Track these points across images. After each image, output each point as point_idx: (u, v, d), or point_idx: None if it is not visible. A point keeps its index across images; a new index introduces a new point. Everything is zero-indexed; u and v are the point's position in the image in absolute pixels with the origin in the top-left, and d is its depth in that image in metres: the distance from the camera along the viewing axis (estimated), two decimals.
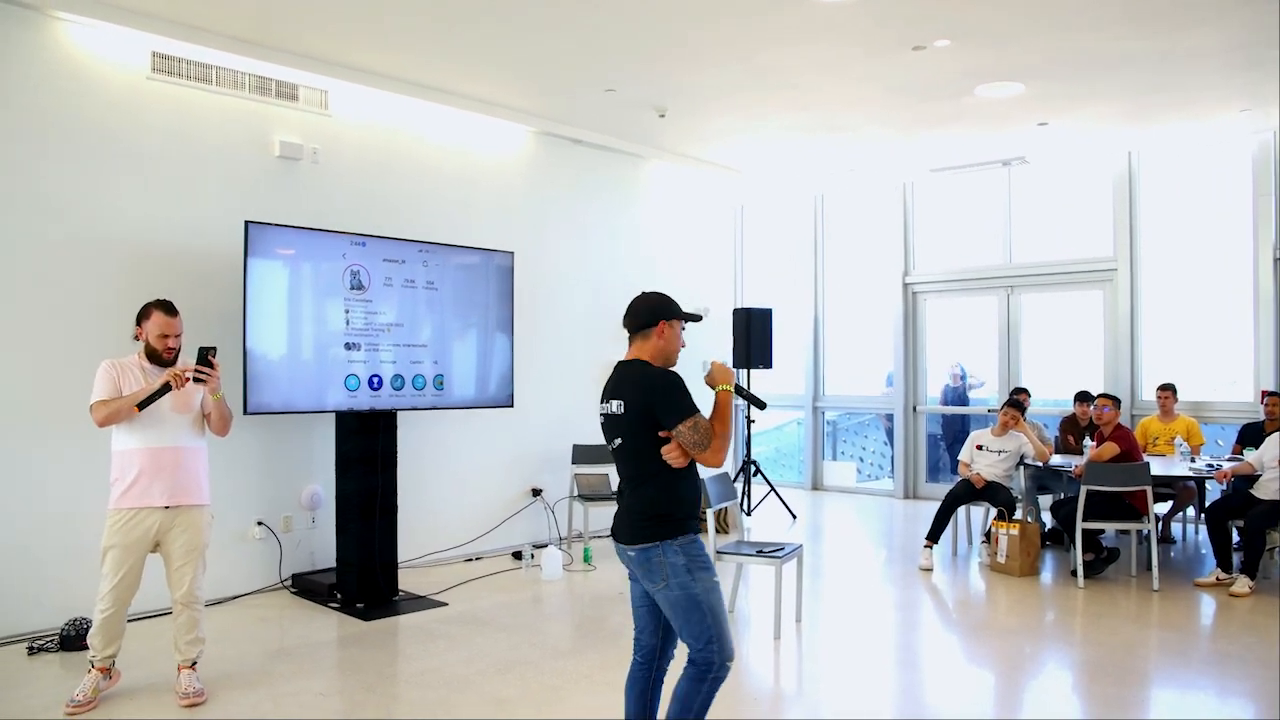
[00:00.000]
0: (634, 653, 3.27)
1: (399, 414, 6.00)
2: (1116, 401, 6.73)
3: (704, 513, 8.03)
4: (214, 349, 4.15)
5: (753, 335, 8.95)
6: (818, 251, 11.10)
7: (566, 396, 7.86)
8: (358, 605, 5.62)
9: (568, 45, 5.95)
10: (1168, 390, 7.79)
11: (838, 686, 4.39)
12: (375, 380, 5.79)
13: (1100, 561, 6.39)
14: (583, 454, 7.60)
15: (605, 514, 7.69)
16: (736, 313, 9.07)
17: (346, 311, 5.66)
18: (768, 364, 9.04)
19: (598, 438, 7.61)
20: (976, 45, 5.92)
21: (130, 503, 4.01)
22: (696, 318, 3.44)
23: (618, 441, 3.14)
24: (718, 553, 5.27)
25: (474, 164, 7.26)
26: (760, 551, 5.26)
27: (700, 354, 9.11)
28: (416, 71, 6.41)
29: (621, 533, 3.13)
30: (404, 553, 6.24)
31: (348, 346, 5.66)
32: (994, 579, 6.47)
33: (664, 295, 3.29)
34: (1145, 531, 6.24)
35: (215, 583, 5.58)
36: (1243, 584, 5.90)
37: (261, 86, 6.00)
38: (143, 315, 4.17)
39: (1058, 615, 5.67)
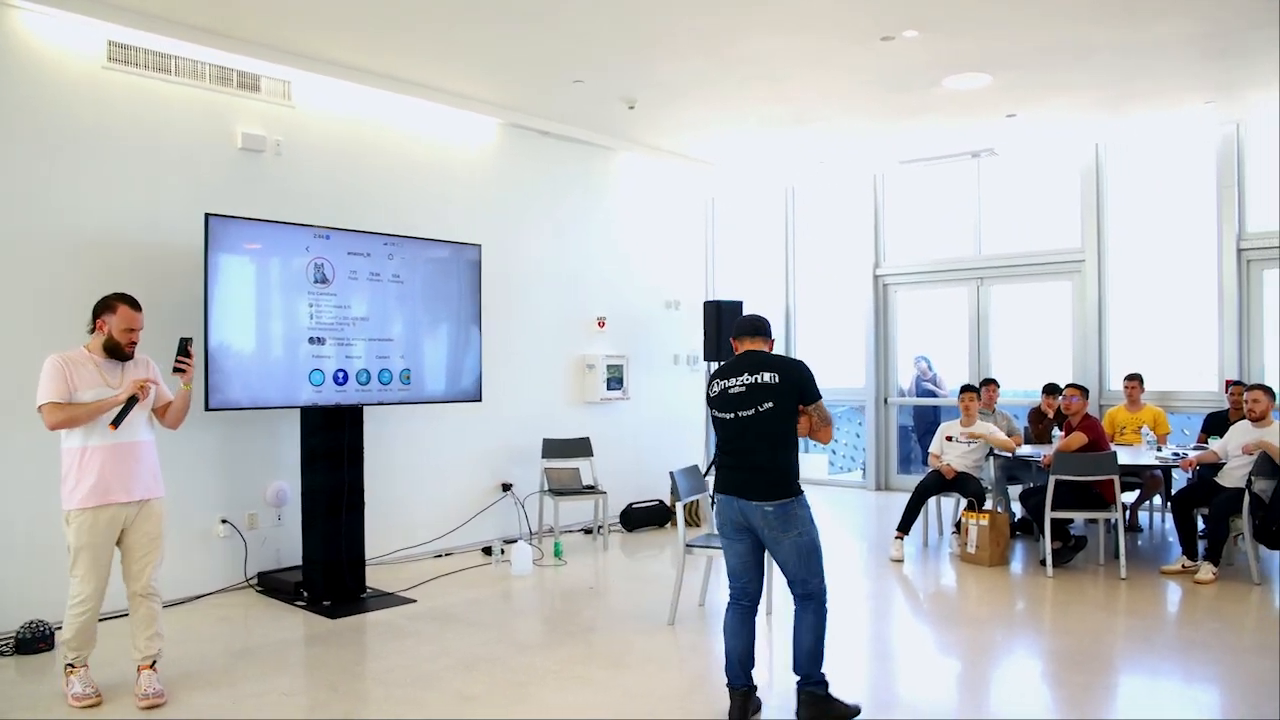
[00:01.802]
0: (738, 601, 3.87)
1: (366, 409, 5.93)
2: (1084, 391, 6.78)
3: (674, 506, 8.08)
4: (191, 339, 4.26)
5: (723, 328, 8.90)
6: (789, 244, 11.09)
7: (537, 390, 7.80)
8: (325, 603, 5.54)
9: (536, 36, 5.88)
10: (1135, 380, 7.86)
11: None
12: (341, 375, 5.71)
13: (1069, 550, 6.43)
14: (553, 448, 7.55)
15: (576, 509, 7.70)
16: (707, 305, 9.03)
17: (311, 306, 5.57)
18: None
19: (569, 432, 7.72)
20: (944, 36, 5.92)
21: (96, 500, 3.94)
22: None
23: (768, 405, 3.69)
24: (687, 546, 5.25)
25: (441, 156, 7.18)
26: None
27: (673, 346, 9.13)
28: (381, 62, 6.32)
29: (755, 492, 3.70)
30: (372, 549, 6.17)
31: (313, 341, 5.58)
32: (964, 569, 6.50)
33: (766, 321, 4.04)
34: (1113, 520, 6.29)
35: (178, 582, 5.51)
36: (1207, 571, 5.96)
37: (222, 77, 5.89)
38: (105, 308, 4.06)
39: (1027, 604, 5.69)
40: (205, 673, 4.42)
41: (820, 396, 3.77)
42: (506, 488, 7.49)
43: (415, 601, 5.69)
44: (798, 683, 3.83)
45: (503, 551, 6.78)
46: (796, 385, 3.72)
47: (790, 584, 3.81)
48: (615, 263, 8.56)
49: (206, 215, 5.17)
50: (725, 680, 3.86)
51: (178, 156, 5.70)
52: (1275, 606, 5.59)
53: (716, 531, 4.02)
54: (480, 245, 6.58)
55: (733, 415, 3.76)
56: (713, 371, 4.03)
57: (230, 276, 5.28)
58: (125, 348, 4.07)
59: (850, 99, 7.32)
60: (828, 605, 3.82)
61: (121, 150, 5.48)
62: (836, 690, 3.86)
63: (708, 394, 3.92)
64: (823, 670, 3.80)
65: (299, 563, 5.86)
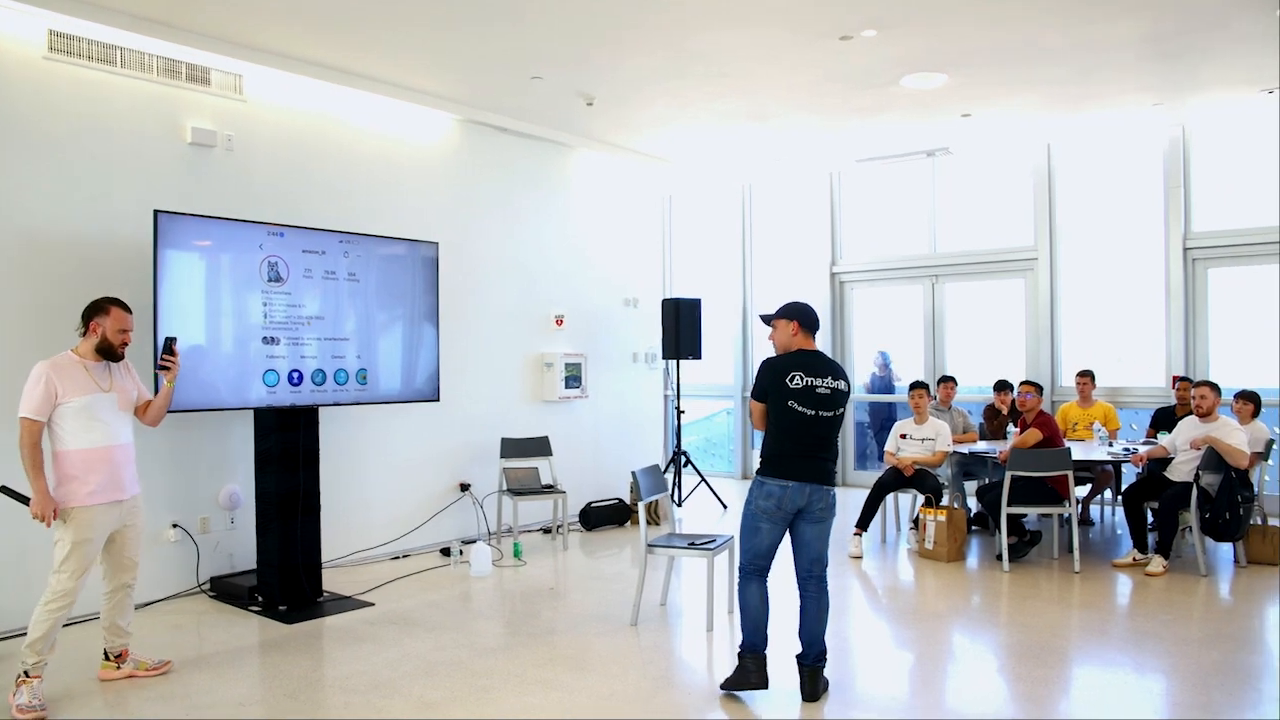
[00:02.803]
0: (758, 575, 4.17)
1: (321, 409, 5.82)
2: (1039, 388, 6.89)
3: (635, 505, 8.07)
4: (175, 339, 4.52)
5: (681, 325, 8.92)
6: (745, 241, 11.13)
7: (495, 389, 7.73)
8: (280, 608, 5.44)
9: (494, 31, 5.81)
10: (1086, 376, 8.00)
11: (771, 677, 4.36)
12: (295, 375, 5.60)
13: (1024, 545, 6.53)
14: (512, 448, 7.49)
15: (535, 508, 7.64)
16: (665, 303, 9.03)
17: (264, 304, 5.45)
18: (696, 354, 9.03)
19: (527, 431, 7.67)
20: (902, 35, 5.96)
21: (100, 499, 4.08)
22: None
23: (840, 410, 4.13)
24: (649, 546, 5.23)
25: (397, 152, 7.07)
26: (692, 544, 5.22)
27: (631, 344, 9.10)
28: (336, 56, 6.21)
29: (827, 479, 4.10)
30: (328, 552, 6.04)
31: (266, 340, 5.46)
32: (922, 565, 6.56)
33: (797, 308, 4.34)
34: (1066, 515, 6.39)
35: None
36: (1158, 564, 6.08)
37: (170, 69, 5.73)
38: (97, 311, 4.18)
39: (985, 599, 5.76)
40: (157, 682, 4.31)
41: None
42: (465, 488, 7.41)
43: (373, 605, 5.60)
44: (811, 659, 4.12)
45: (461, 552, 6.71)
46: (848, 396, 4.21)
47: (811, 564, 4.15)
48: (573, 261, 8.50)
49: (156, 212, 5.03)
50: (743, 651, 4.15)
51: (125, 151, 5.54)
52: (1222, 597, 5.71)
53: (760, 512, 4.10)
54: (437, 243, 6.49)
55: (814, 412, 4.07)
56: (781, 360, 4.17)
57: (180, 275, 5.14)
58: (118, 349, 4.21)
59: (808, 97, 7.35)
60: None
61: (65, 145, 5.31)
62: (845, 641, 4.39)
63: (783, 383, 4.07)
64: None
65: (253, 567, 5.75)
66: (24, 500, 4.03)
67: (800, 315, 4.25)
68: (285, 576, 5.50)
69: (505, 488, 7.31)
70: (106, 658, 4.36)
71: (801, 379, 4.07)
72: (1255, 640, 4.97)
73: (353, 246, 5.89)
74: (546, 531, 7.82)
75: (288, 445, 5.57)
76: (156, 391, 4.53)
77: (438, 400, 6.52)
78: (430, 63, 6.40)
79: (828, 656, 4.17)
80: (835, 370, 4.16)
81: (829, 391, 4.08)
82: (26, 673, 3.97)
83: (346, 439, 6.52)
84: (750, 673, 4.12)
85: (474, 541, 6.71)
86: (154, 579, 5.59)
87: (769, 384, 4.12)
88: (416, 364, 6.33)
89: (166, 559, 5.69)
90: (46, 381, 4.00)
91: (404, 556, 6.88)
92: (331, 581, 5.96)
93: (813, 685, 4.09)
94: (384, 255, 6.14)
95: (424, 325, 6.36)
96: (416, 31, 5.81)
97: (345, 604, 5.60)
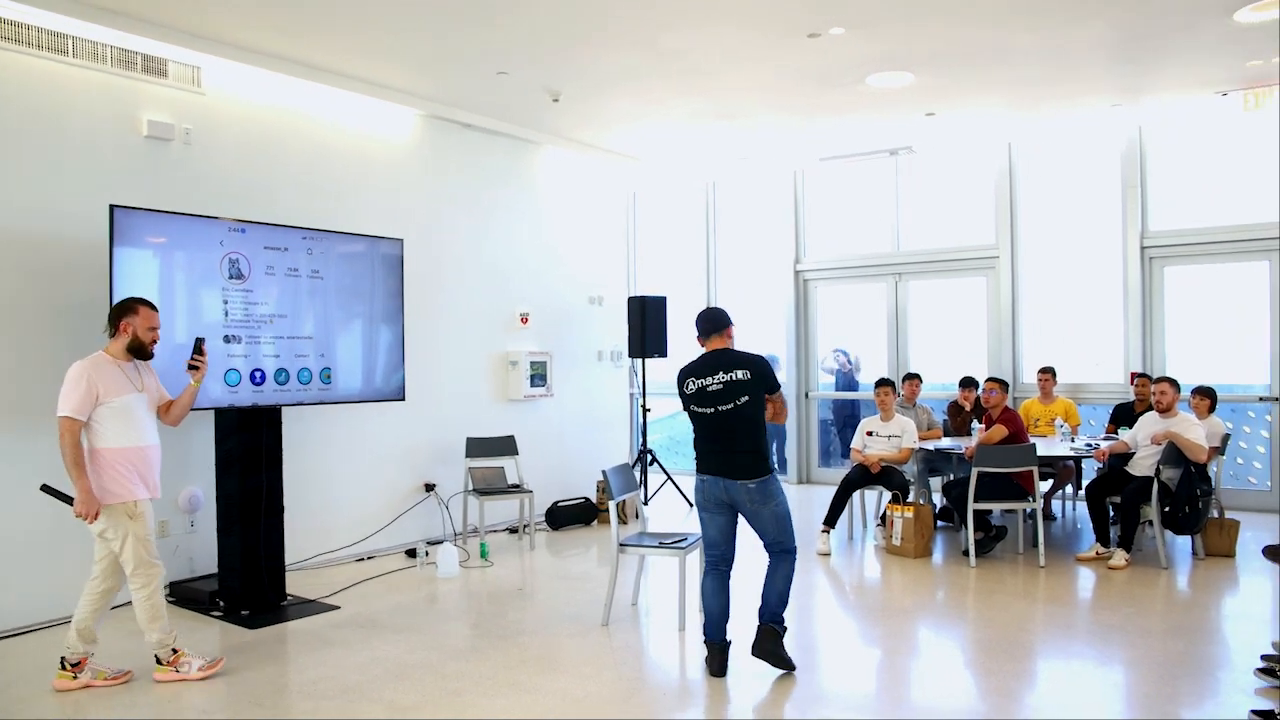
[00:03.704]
0: (716, 567, 4.42)
1: (283, 409, 5.70)
2: (1004, 385, 6.96)
3: (605, 505, 8.02)
4: (204, 339, 4.64)
5: (648, 323, 8.88)
6: (710, 239, 11.13)
7: (460, 388, 7.64)
8: (243, 613, 5.32)
9: (459, 25, 5.73)
10: (1048, 373, 8.11)
11: (742, 675, 4.36)
12: (257, 374, 5.48)
13: (990, 540, 6.59)
14: (477, 447, 7.41)
15: (501, 508, 7.57)
16: (631, 301, 8.99)
17: (225, 302, 5.32)
18: (662, 352, 9.00)
19: (493, 430, 7.59)
20: (869, 34, 5.98)
21: (141, 494, 4.21)
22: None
23: (744, 399, 4.28)
24: (621, 545, 5.19)
25: (360, 148, 6.95)
26: (663, 543, 5.19)
27: (596, 342, 9.05)
28: (297, 49, 6.08)
29: (739, 472, 4.27)
30: (291, 555, 5.92)
31: (227, 339, 5.33)
32: (890, 561, 6.60)
33: (722, 309, 4.62)
34: (1030, 510, 6.47)
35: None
36: (1120, 557, 6.18)
37: (125, 60, 5.57)
38: (126, 311, 4.26)
39: (952, 594, 5.81)
40: (117, 691, 4.19)
41: (780, 386, 4.46)
42: (430, 488, 7.32)
43: (339, 608, 5.50)
44: (765, 617, 4.34)
45: (427, 553, 6.62)
46: (764, 379, 4.34)
47: (768, 546, 4.41)
48: (538, 258, 8.44)
49: (111, 207, 4.87)
50: (703, 637, 4.38)
51: (77, 145, 5.38)
52: (1182, 590, 5.81)
53: (698, 505, 4.45)
54: (402, 240, 6.39)
55: (713, 410, 4.31)
56: (682, 369, 4.48)
57: (137, 272, 4.99)
58: (149, 347, 4.30)
59: (775, 95, 7.35)
60: (795, 559, 4.42)
61: (13, 138, 5.14)
62: (812, 638, 4.63)
63: (682, 391, 4.43)
64: (784, 616, 4.37)
65: (214, 571, 5.60)
66: (65, 499, 4.13)
67: (697, 324, 4.56)
68: (248, 580, 5.39)
69: (471, 487, 7.23)
70: (63, 666, 4.20)
71: (693, 383, 4.38)
72: (1214, 631, 5.07)
73: (316, 243, 5.78)
74: (513, 531, 7.75)
75: (250, 446, 5.45)
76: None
77: (403, 400, 6.43)
78: (394, 57, 6.30)
79: (784, 628, 4.37)
80: (730, 363, 4.34)
81: (721, 386, 4.30)
82: (175, 650, 4.27)
83: (309, 439, 6.40)
84: (711, 660, 4.34)
85: (440, 542, 6.62)
86: None
87: (679, 394, 4.48)
88: (381, 363, 6.23)
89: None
90: (89, 381, 4.07)
91: (369, 558, 6.77)
92: (295, 585, 5.85)
93: (760, 641, 4.31)
94: (348, 252, 6.03)
95: (388, 323, 6.26)
96: (380, 25, 5.71)
97: (310, 608, 5.49)
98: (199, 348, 4.54)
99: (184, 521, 5.84)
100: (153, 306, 4.36)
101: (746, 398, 4.28)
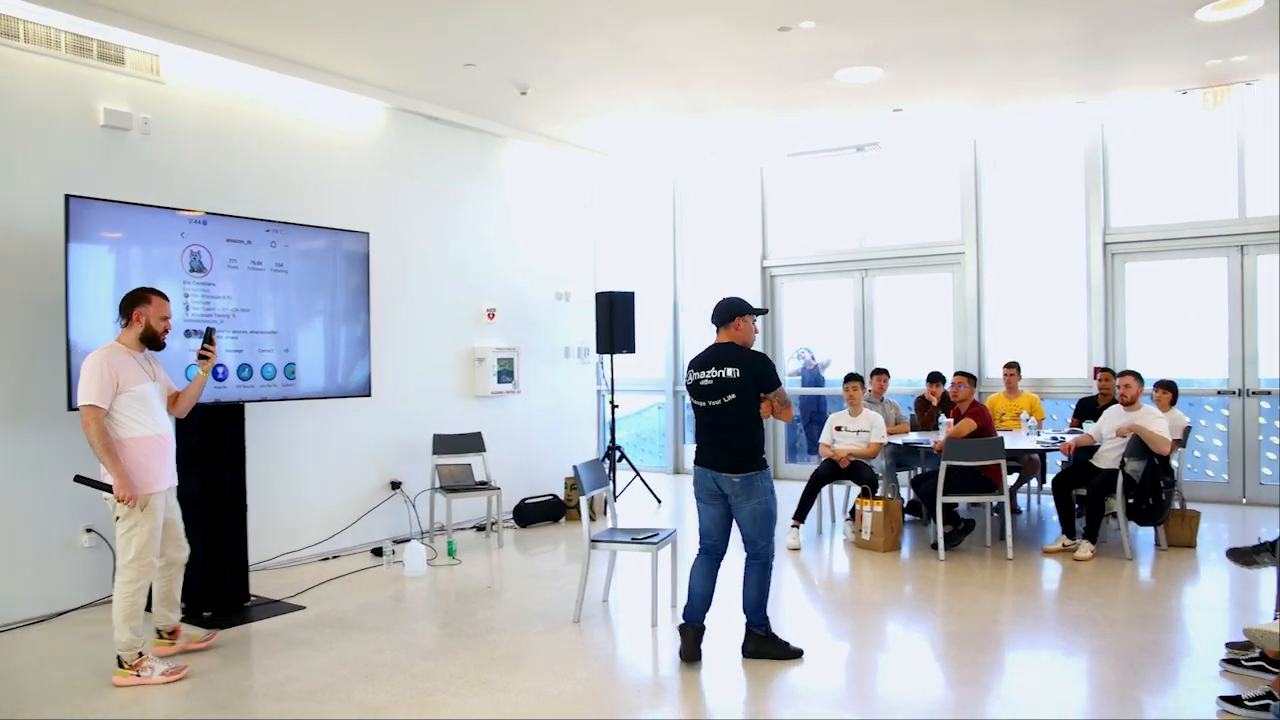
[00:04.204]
0: (704, 553, 4.57)
1: (247, 406, 5.58)
2: (972, 379, 7.01)
3: (577, 501, 7.96)
4: (214, 329, 4.69)
5: (616, 319, 8.84)
6: (676, 235, 11.11)
7: (427, 384, 7.54)
8: (205, 614, 5.19)
9: (426, 16, 5.64)
10: (1013, 368, 8.19)
11: (716, 670, 4.34)
12: (220, 370, 5.35)
13: (958, 534, 6.63)
14: (444, 444, 7.32)
15: (469, 505, 7.49)
16: (599, 296, 8.94)
17: (186, 296, 5.19)
18: (631, 348, 8.95)
19: (460, 426, 7.50)
20: (839, 28, 5.99)
21: (161, 485, 4.26)
22: (763, 311, 4.73)
23: (731, 396, 4.34)
24: (592, 541, 5.14)
25: (325, 140, 6.83)
26: (635, 539, 5.15)
27: (564, 338, 8.98)
28: (259, 38, 5.95)
29: (726, 465, 4.37)
30: (255, 554, 5.80)
31: (189, 334, 5.19)
32: (859, 555, 6.62)
33: (738, 298, 4.56)
34: (998, 503, 6.52)
35: (39, 598, 5.14)
36: (1085, 549, 6.24)
37: (80, 46, 5.41)
38: (139, 301, 4.27)
39: (922, 587, 5.83)
40: (73, 697, 4.06)
41: (779, 384, 4.44)
42: (396, 486, 7.21)
43: (304, 608, 5.40)
44: (746, 620, 4.51)
45: (394, 552, 6.52)
46: (757, 377, 4.36)
47: (745, 543, 4.48)
48: (505, 254, 8.35)
49: (67, 197, 4.73)
50: (681, 621, 4.51)
51: (30, 134, 5.21)
52: (1146, 580, 5.89)
53: (695, 494, 4.61)
54: (368, 233, 6.29)
55: (705, 403, 4.43)
56: (690, 361, 4.58)
57: (94, 265, 4.86)
58: (162, 336, 4.32)
59: (744, 89, 7.34)
60: (771, 565, 4.51)
61: None
62: (784, 633, 4.56)
63: (686, 382, 4.55)
64: (765, 616, 4.49)
65: None
66: (103, 487, 4.14)
67: (711, 315, 4.59)
68: (210, 581, 5.26)
69: (438, 485, 7.14)
70: (160, 635, 4.49)
71: (691, 376, 4.50)
72: (1176, 620, 5.14)
73: (280, 236, 5.66)
74: (480, 529, 7.67)
75: (212, 443, 5.33)
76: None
77: (369, 396, 6.33)
78: (360, 48, 6.20)
79: (767, 626, 4.49)
80: (724, 359, 4.40)
81: (711, 381, 4.40)
82: (140, 653, 4.18)
83: (273, 437, 6.27)
84: (685, 643, 4.43)
85: (407, 541, 6.53)
86: (67, 587, 5.29)
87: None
88: (348, 358, 6.12)
89: (80, 566, 5.37)
90: (107, 367, 4.09)
91: (334, 558, 6.66)
92: (259, 585, 5.73)
93: (744, 643, 4.48)
94: (313, 245, 5.92)
95: (354, 317, 6.15)
96: (345, 15, 5.60)
97: (275, 608, 5.38)
98: (209, 337, 4.56)
99: None
100: (164, 296, 4.37)
101: (733, 395, 4.34)
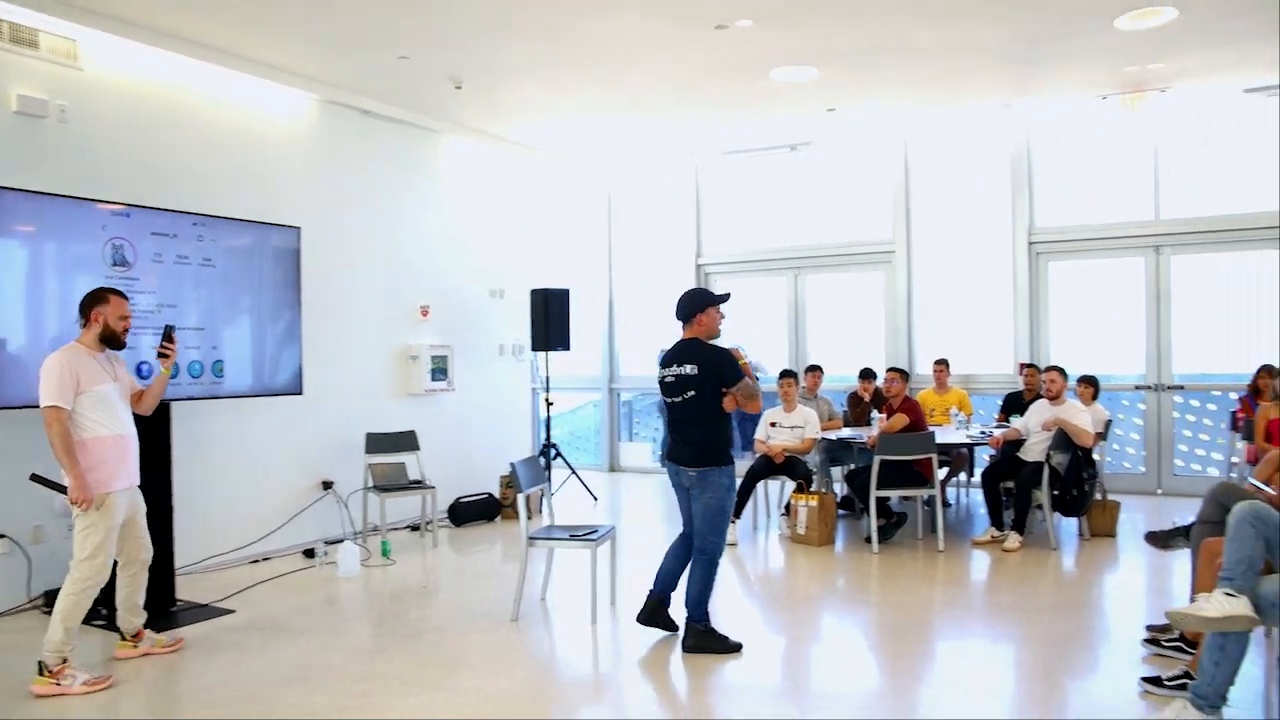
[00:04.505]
0: (682, 537, 4.71)
1: (173, 405, 5.40)
2: (905, 375, 7.14)
3: (513, 500, 7.90)
4: (174, 326, 4.65)
5: (551, 316, 8.79)
6: (611, 232, 11.10)
7: (358, 382, 7.40)
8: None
9: (357, 5, 5.53)
10: (942, 364, 8.37)
11: (656, 666, 4.35)
12: (143, 368, 5.18)
13: (891, 527, 6.74)
14: (377, 442, 7.19)
15: (402, 505, 7.37)
16: (534, 293, 8.88)
17: None
18: (566, 345, 8.91)
19: (393, 425, 7.39)
20: (776, 27, 6.04)
21: (119, 484, 4.23)
22: (724, 298, 4.64)
23: (690, 393, 4.40)
24: (530, 539, 5.10)
25: (255, 132, 6.65)
26: (573, 535, 5.13)
27: (498, 336, 8.91)
28: (184, 26, 5.77)
29: (684, 459, 4.47)
30: (180, 558, 5.61)
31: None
32: (794, 550, 6.69)
33: (699, 291, 4.68)
34: (929, 496, 6.65)
35: None
36: (1014, 540, 6.41)
37: None
38: (97, 301, 4.23)
39: (857, 580, 5.92)
40: None
41: (741, 378, 4.41)
42: (327, 485, 7.07)
43: (233, 612, 5.25)
44: (685, 619, 4.54)
45: (326, 553, 6.39)
46: (715, 373, 4.40)
47: (695, 535, 4.55)
48: (439, 250, 8.24)
49: None
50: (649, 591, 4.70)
51: None
52: (1070, 569, 6.06)
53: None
54: (299, 228, 6.15)
55: (669, 400, 4.52)
56: (661, 357, 4.67)
57: (6, 259, 4.66)
58: (121, 336, 4.29)
59: (680, 87, 7.37)
60: (718, 562, 4.56)
61: None
62: (722, 628, 4.56)
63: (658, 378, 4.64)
64: (706, 611, 4.51)
65: None
66: (58, 488, 4.20)
67: (675, 310, 4.63)
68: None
69: (371, 484, 7.01)
70: (123, 638, 4.48)
71: (660, 371, 4.58)
72: (1098, 606, 5.32)
73: (207, 230, 5.51)
74: (414, 529, 7.56)
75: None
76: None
77: (300, 394, 6.19)
78: (289, 38, 6.05)
79: (706, 621, 4.50)
80: (685, 356, 4.47)
81: (673, 379, 4.48)
82: (65, 659, 4.06)
83: (199, 437, 6.08)
84: (643, 610, 4.69)
85: (339, 541, 6.40)
86: None
87: None
88: (278, 356, 5.99)
89: None
90: (67, 368, 4.07)
91: (263, 560, 6.49)
92: (186, 589, 5.55)
93: (685, 639, 4.50)
94: (241, 240, 5.77)
95: (285, 314, 6.02)
96: (274, 3, 5.46)
97: (202, 612, 5.22)
98: (169, 335, 4.52)
99: (60, 526, 5.45)
100: (123, 295, 4.34)
101: (692, 392, 4.40)
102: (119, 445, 4.24)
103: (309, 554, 6.51)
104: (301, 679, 4.16)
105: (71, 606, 4.11)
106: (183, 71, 6.14)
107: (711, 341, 4.53)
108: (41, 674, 4.03)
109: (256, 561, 6.45)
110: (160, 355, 4.52)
